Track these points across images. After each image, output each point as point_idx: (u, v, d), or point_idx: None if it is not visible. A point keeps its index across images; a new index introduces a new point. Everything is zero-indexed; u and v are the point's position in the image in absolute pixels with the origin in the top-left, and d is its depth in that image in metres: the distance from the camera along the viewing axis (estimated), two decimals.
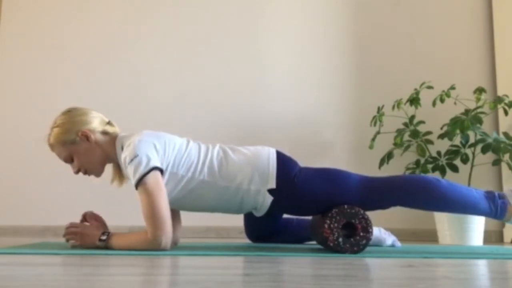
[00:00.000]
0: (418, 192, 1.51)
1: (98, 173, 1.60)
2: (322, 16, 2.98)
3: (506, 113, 2.46)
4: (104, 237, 1.44)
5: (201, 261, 1.19)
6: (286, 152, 1.69)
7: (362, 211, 1.48)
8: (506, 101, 2.43)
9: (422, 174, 1.57)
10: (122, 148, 1.51)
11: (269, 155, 1.58)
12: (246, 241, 2.15)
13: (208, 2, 2.97)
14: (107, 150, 1.57)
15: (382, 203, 1.54)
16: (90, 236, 1.46)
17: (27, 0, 2.97)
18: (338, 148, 2.83)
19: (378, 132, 2.60)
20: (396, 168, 2.60)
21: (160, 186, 1.41)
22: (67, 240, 1.49)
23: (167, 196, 1.50)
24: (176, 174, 1.51)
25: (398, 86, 2.83)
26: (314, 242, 2.02)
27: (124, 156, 1.45)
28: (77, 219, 1.63)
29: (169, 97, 2.86)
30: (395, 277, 0.90)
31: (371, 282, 0.81)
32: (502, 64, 2.83)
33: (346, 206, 1.48)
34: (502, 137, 2.42)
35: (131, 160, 1.42)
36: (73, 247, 1.48)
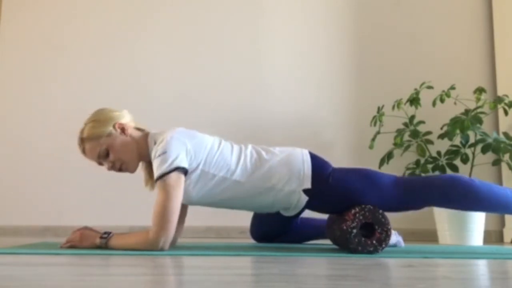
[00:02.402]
0: (452, 193, 1.52)
1: (133, 168, 1.58)
2: (322, 16, 2.98)
3: (506, 113, 2.46)
4: (106, 235, 1.44)
5: (201, 261, 1.19)
6: None
7: (389, 226, 1.48)
8: (506, 101, 2.43)
9: (455, 174, 1.59)
10: (155, 144, 1.51)
11: (303, 156, 1.59)
12: (247, 241, 2.14)
13: (208, 2, 2.97)
14: (141, 146, 1.57)
15: (416, 204, 1.55)
16: (90, 237, 1.46)
17: (27, 0, 2.97)
18: (338, 148, 2.83)
19: (378, 132, 2.60)
20: (396, 168, 2.59)
21: (178, 188, 1.42)
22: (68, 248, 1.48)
23: (197, 195, 1.52)
24: (207, 173, 1.51)
25: (398, 86, 2.83)
26: (317, 242, 2.02)
27: (155, 150, 1.46)
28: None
29: (169, 97, 2.86)
30: (395, 277, 0.90)
31: (371, 282, 0.81)
32: (502, 64, 2.83)
33: (380, 211, 1.49)
34: (502, 137, 2.42)
35: (159, 155, 1.43)
36: (72, 248, 1.47)
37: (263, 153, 1.59)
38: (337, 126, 2.86)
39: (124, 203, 2.69)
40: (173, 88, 2.88)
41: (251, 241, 2.06)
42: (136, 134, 1.59)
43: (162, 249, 1.39)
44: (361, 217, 1.47)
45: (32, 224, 2.71)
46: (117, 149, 1.53)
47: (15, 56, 2.92)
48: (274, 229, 1.94)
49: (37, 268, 0.96)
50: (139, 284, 0.77)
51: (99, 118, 1.56)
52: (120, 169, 1.56)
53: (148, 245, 1.38)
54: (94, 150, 1.53)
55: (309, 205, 1.59)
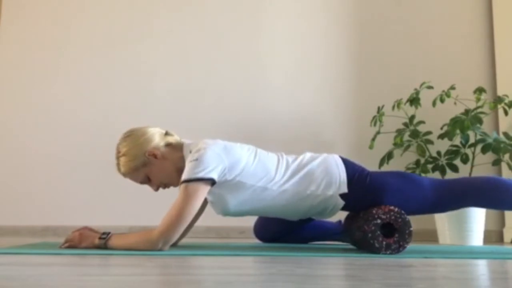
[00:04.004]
0: (491, 193, 1.54)
1: (176, 183, 1.61)
2: (322, 16, 2.98)
3: (506, 113, 2.46)
4: (105, 236, 1.44)
5: (201, 261, 1.19)
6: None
7: (407, 244, 1.48)
8: (506, 101, 2.43)
9: (491, 176, 1.61)
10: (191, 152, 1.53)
11: (335, 161, 1.61)
12: (247, 241, 2.14)
13: (208, 2, 2.97)
14: (176, 161, 1.58)
15: (455, 204, 1.57)
16: (89, 237, 1.46)
17: (27, 0, 2.97)
18: (338, 148, 2.83)
19: (378, 132, 2.60)
20: (396, 168, 2.59)
21: (197, 198, 1.42)
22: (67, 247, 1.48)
23: (234, 205, 1.54)
24: (245, 184, 1.52)
25: (398, 86, 2.83)
26: (319, 242, 2.02)
27: (191, 156, 1.47)
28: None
29: (169, 97, 2.86)
30: (395, 277, 0.90)
31: (371, 282, 0.81)
32: (502, 64, 2.83)
33: (411, 229, 1.48)
34: (502, 137, 2.42)
35: (191, 161, 1.45)
36: (71, 247, 1.46)
37: (298, 161, 1.60)
38: (337, 126, 2.86)
39: (124, 203, 2.69)
40: (173, 88, 2.88)
41: (251, 241, 2.06)
42: (169, 152, 1.59)
43: (160, 250, 1.39)
44: (393, 217, 1.48)
45: (32, 224, 2.71)
46: (155, 175, 1.58)
47: (15, 56, 2.92)
48: (282, 230, 1.95)
49: (37, 268, 0.96)
50: (139, 284, 0.77)
51: (129, 152, 1.55)
52: (165, 187, 1.63)
53: (148, 244, 1.38)
54: (136, 180, 1.60)
55: (346, 208, 1.61)
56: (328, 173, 1.56)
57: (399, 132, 2.55)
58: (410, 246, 1.96)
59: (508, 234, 2.66)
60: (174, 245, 1.66)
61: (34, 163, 2.79)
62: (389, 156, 2.54)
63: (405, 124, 2.59)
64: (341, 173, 1.57)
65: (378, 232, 1.47)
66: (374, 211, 1.49)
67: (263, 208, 1.58)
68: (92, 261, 1.13)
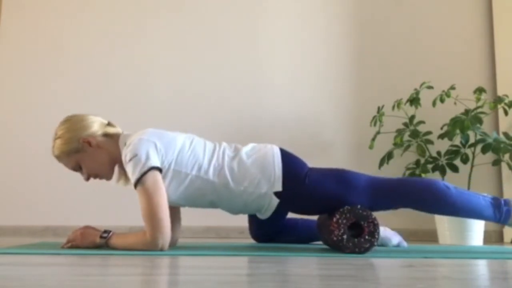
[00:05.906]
0: (426, 198, 1.53)
1: (108, 175, 1.60)
2: (322, 16, 2.98)
3: (506, 113, 2.46)
4: (105, 235, 1.44)
5: (201, 261, 1.19)
6: None
7: (373, 216, 1.48)
8: (506, 101, 2.43)
9: (432, 179, 1.60)
10: (125, 146, 1.51)
11: (274, 156, 1.57)
12: (246, 241, 2.14)
13: (208, 2, 2.97)
14: (111, 152, 1.56)
15: (389, 206, 1.57)
16: (91, 235, 1.46)
17: (27, 0, 2.97)
18: (338, 148, 2.83)
19: (378, 132, 2.60)
20: (396, 168, 2.60)
21: (158, 186, 1.41)
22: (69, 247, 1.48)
23: (172, 194, 1.51)
24: (180, 172, 1.50)
25: (398, 86, 2.83)
26: (318, 243, 2.02)
27: (125, 154, 1.45)
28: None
29: (168, 97, 2.86)
30: (395, 277, 0.90)
31: (371, 282, 0.81)
32: (502, 64, 2.83)
33: (358, 207, 1.48)
34: (502, 137, 2.42)
35: (130, 159, 1.42)
36: (73, 247, 1.47)
37: (236, 153, 1.57)
38: (337, 126, 2.86)
39: (124, 203, 2.68)
40: (172, 87, 2.88)
41: (251, 241, 2.06)
42: (104, 141, 1.57)
43: (162, 249, 1.39)
44: (344, 221, 1.47)
45: (32, 224, 2.71)
46: (87, 164, 1.55)
47: (15, 56, 2.92)
48: (269, 229, 1.92)
49: (37, 268, 0.96)
50: (138, 284, 0.77)
51: (64, 135, 1.54)
52: (96, 178, 1.59)
53: (147, 246, 1.38)
54: (67, 165, 1.57)
55: (283, 207, 1.58)
56: (262, 169, 1.53)
57: (399, 132, 2.55)
58: (410, 246, 1.96)
59: (508, 234, 2.66)
60: (173, 245, 1.66)
61: (34, 163, 2.79)
62: (389, 156, 2.54)
63: (405, 124, 2.59)
64: (277, 170, 1.54)
65: (355, 240, 1.46)
66: (334, 238, 1.46)
67: (200, 199, 1.55)
68: (92, 261, 1.13)
